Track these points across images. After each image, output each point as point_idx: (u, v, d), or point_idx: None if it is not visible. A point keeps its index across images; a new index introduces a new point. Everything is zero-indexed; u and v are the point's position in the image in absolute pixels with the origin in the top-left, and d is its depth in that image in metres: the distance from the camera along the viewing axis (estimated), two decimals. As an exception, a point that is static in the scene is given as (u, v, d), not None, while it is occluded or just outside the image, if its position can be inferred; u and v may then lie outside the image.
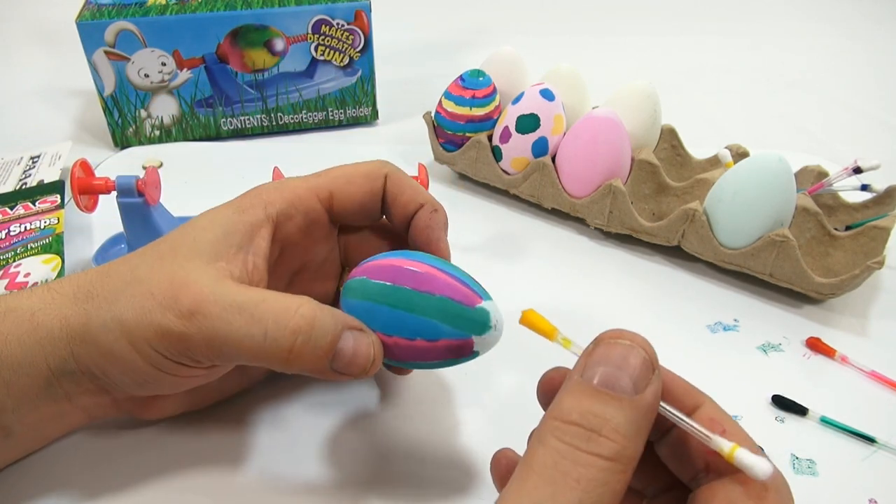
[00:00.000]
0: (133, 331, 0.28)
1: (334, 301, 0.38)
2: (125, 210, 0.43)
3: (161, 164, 0.58)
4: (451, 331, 0.29)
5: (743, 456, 0.21)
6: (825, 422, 0.37)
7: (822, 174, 0.50)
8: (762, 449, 0.23)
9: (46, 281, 0.43)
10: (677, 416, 0.22)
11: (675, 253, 0.48)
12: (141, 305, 0.28)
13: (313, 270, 0.36)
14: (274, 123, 0.62)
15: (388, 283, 0.29)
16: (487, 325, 0.29)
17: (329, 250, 0.36)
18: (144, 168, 0.56)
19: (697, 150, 0.54)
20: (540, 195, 0.51)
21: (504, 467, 0.27)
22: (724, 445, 0.21)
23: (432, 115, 0.54)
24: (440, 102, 0.53)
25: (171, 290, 0.28)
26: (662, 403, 0.22)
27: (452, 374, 0.39)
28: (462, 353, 0.29)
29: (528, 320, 0.25)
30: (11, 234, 0.47)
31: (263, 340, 0.27)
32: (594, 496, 0.20)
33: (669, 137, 0.54)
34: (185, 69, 0.58)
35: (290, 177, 0.34)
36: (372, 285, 0.29)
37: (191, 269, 0.29)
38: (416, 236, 0.33)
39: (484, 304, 0.29)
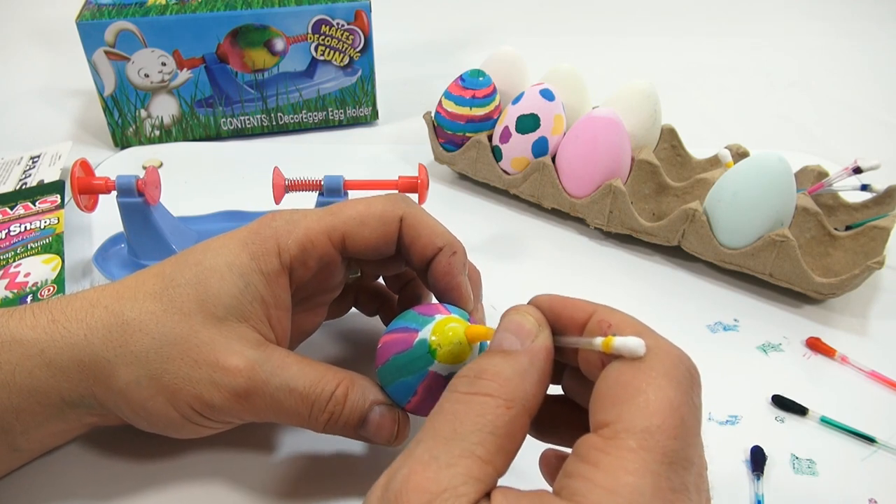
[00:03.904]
0: (176, 395, 0.29)
1: (337, 304, 0.38)
2: (125, 210, 0.43)
3: (161, 164, 0.58)
4: (415, 378, 0.29)
5: (616, 342, 0.22)
6: (825, 422, 0.37)
7: (822, 174, 0.50)
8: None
9: (46, 282, 0.43)
10: (566, 341, 0.25)
11: (675, 253, 0.48)
12: (186, 374, 0.29)
13: (320, 294, 0.35)
14: (274, 123, 0.62)
15: (377, 368, 0.31)
16: (431, 350, 0.29)
17: (339, 279, 0.35)
18: (144, 168, 0.56)
19: (697, 150, 0.54)
20: (540, 195, 0.51)
21: (552, 464, 0.28)
22: (599, 341, 0.23)
23: (432, 115, 0.54)
24: (440, 102, 0.53)
25: (218, 362, 0.29)
26: (556, 337, 0.25)
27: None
28: (441, 385, 0.29)
29: (474, 335, 0.28)
30: (11, 234, 0.47)
31: (307, 417, 0.30)
32: (468, 425, 0.22)
33: (669, 137, 0.54)
34: (185, 69, 0.58)
35: (301, 210, 0.33)
36: (377, 372, 0.31)
37: (230, 335, 0.30)
38: (436, 281, 0.32)
39: (420, 336, 0.29)
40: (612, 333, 0.23)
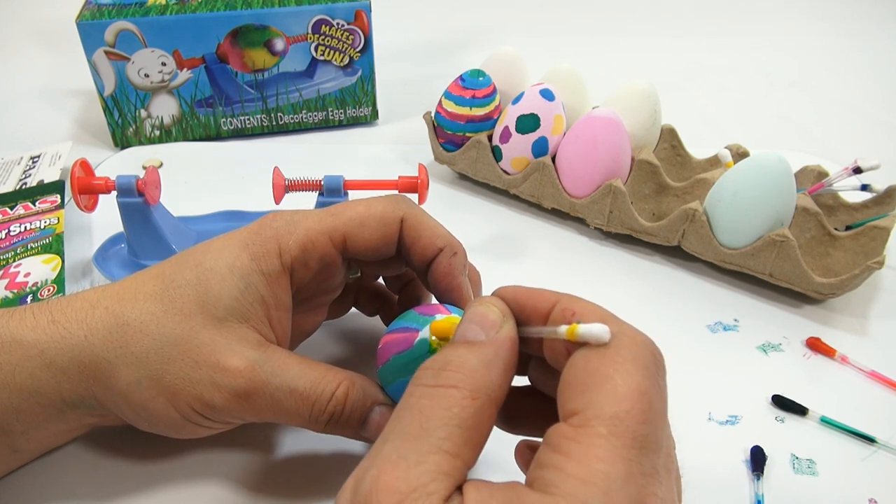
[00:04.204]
0: (177, 395, 0.29)
1: (338, 304, 0.38)
2: (125, 210, 0.43)
3: (161, 164, 0.58)
4: None
5: (580, 330, 0.22)
6: (825, 422, 0.37)
7: (822, 174, 0.50)
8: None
9: (46, 282, 0.43)
10: (531, 331, 0.25)
11: (675, 253, 0.48)
12: (186, 375, 0.29)
13: (320, 295, 0.35)
14: (274, 123, 0.62)
15: (377, 368, 0.31)
16: (431, 350, 0.29)
17: (340, 280, 0.35)
18: (144, 168, 0.56)
19: (697, 150, 0.54)
20: (540, 195, 0.51)
21: (527, 455, 0.28)
22: (563, 330, 0.23)
23: (432, 115, 0.54)
24: (440, 102, 0.53)
25: (219, 363, 0.29)
26: (521, 328, 0.25)
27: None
28: None
29: (439, 330, 0.28)
30: (11, 234, 0.47)
31: (308, 418, 0.30)
32: (434, 420, 0.22)
33: (669, 137, 0.54)
34: (185, 69, 0.58)
35: (302, 211, 0.33)
36: (378, 372, 0.31)
37: (230, 336, 0.30)
38: (436, 282, 0.32)
39: (420, 335, 0.29)
40: (577, 321, 0.23)
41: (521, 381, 0.28)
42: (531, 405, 0.28)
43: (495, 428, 0.24)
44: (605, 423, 0.20)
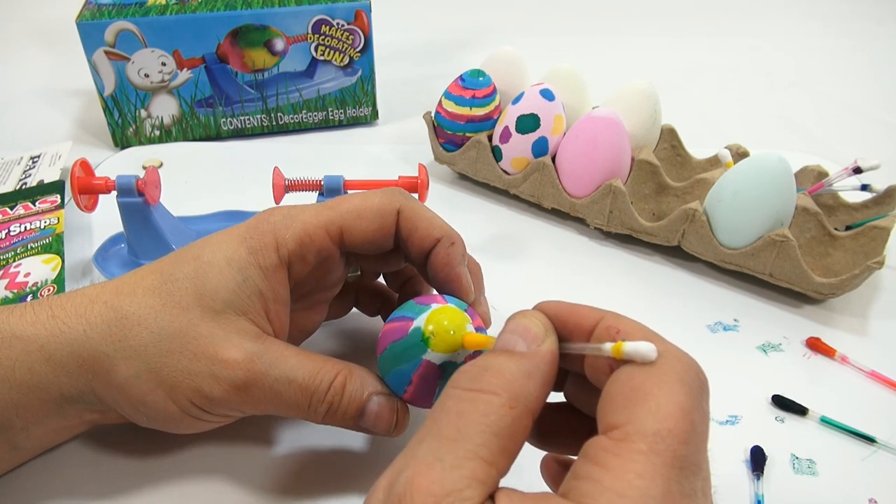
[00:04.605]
0: (175, 388, 0.29)
1: (338, 303, 0.38)
2: (125, 210, 0.43)
3: (161, 164, 0.58)
4: (410, 366, 0.29)
5: (627, 347, 0.22)
6: (825, 422, 0.37)
7: (822, 174, 0.50)
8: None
9: (46, 282, 0.43)
10: (573, 347, 0.25)
11: (675, 253, 0.48)
12: (185, 367, 0.29)
13: (319, 291, 0.36)
14: (274, 123, 0.62)
15: (377, 357, 0.31)
16: (424, 339, 0.29)
17: (339, 276, 0.35)
18: (144, 168, 0.56)
19: (697, 150, 0.54)
20: (540, 195, 0.51)
21: (554, 469, 0.28)
22: (609, 347, 0.23)
23: (432, 115, 0.54)
24: (440, 102, 0.53)
25: (217, 355, 0.29)
26: (562, 344, 0.25)
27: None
28: (436, 374, 0.29)
29: (471, 342, 0.28)
30: (11, 234, 0.47)
31: (307, 408, 0.30)
32: (472, 426, 0.22)
33: (669, 137, 0.54)
34: (185, 69, 0.58)
35: (299, 206, 0.33)
36: (377, 361, 0.32)
37: (228, 329, 0.30)
38: (435, 273, 0.32)
39: (414, 324, 0.29)
40: (622, 339, 0.23)
41: (553, 397, 0.28)
42: (563, 421, 0.28)
43: None
44: (645, 440, 0.20)
